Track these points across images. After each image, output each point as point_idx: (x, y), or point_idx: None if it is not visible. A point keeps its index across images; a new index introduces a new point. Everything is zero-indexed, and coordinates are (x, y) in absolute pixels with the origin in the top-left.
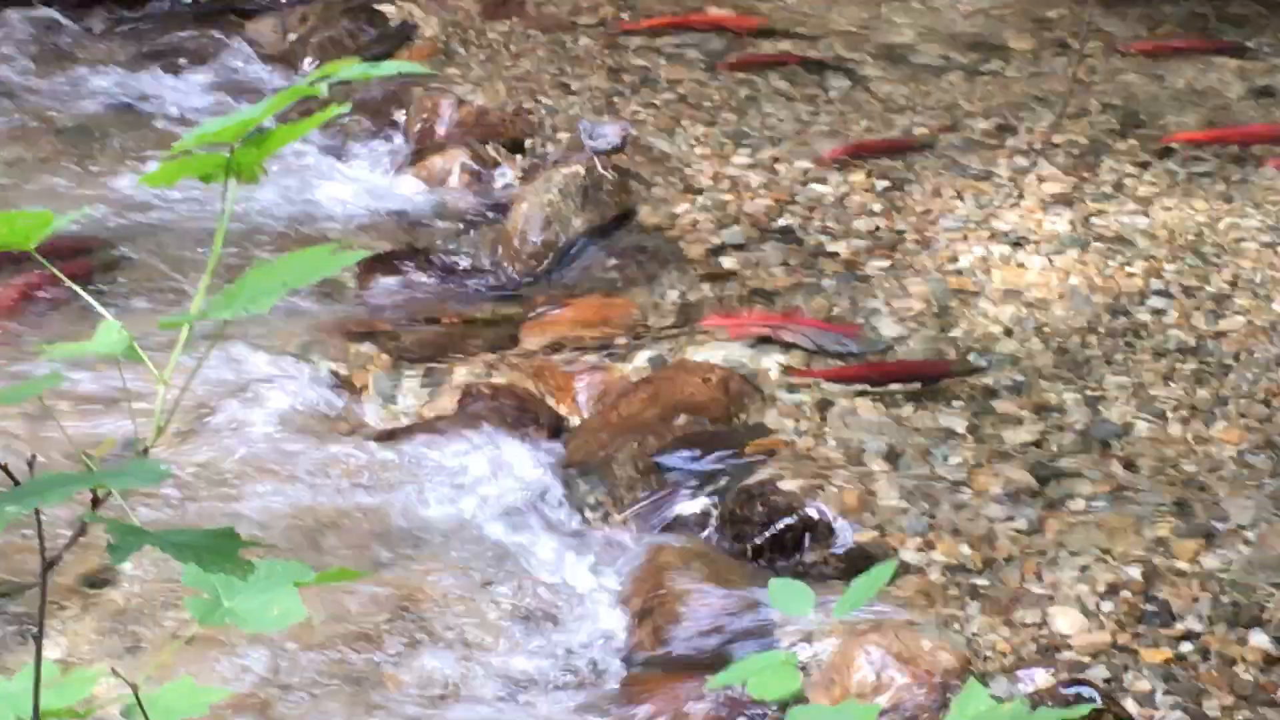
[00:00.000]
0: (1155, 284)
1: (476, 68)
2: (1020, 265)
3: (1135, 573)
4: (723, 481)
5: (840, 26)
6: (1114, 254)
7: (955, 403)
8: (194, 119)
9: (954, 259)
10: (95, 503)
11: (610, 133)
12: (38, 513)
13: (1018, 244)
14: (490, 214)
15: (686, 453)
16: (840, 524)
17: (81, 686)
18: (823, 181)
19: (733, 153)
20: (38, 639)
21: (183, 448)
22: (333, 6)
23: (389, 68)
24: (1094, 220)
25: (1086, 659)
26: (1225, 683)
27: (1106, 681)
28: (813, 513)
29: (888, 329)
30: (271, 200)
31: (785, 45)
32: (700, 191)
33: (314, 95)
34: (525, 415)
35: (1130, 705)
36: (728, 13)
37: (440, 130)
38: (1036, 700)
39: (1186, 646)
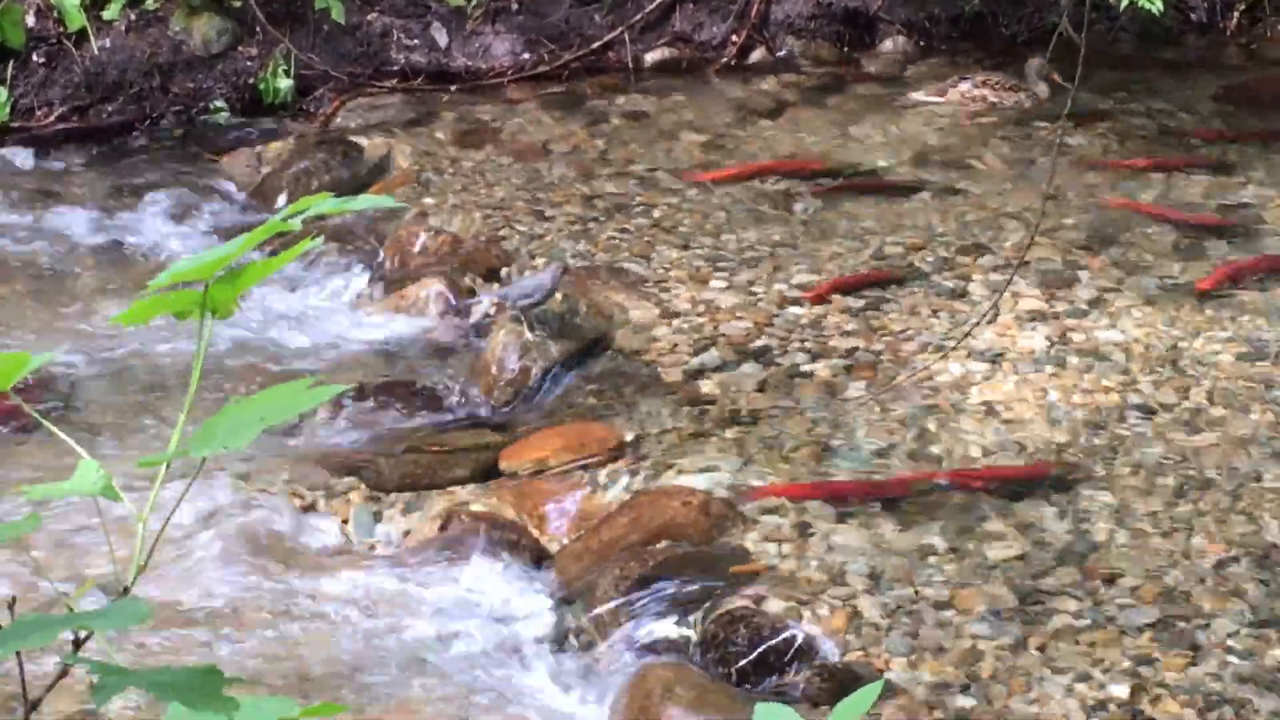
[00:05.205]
0: (1133, 398)
1: (452, 197)
2: (998, 383)
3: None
4: (706, 605)
5: (815, 149)
6: (1090, 369)
7: (936, 521)
8: (169, 254)
9: (931, 378)
10: (77, 644)
11: (533, 285)
12: (19, 654)
13: (994, 361)
14: (467, 342)
15: (669, 577)
16: (825, 645)
17: None
18: (799, 304)
19: (709, 275)
20: None
21: (163, 584)
22: (306, 139)
23: (361, 202)
24: (1070, 336)
25: None
26: None
27: None
28: (796, 634)
29: (867, 447)
30: (248, 333)
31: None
32: (677, 315)
33: (288, 230)
34: (507, 542)
35: None
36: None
37: (416, 260)
38: None
39: None
